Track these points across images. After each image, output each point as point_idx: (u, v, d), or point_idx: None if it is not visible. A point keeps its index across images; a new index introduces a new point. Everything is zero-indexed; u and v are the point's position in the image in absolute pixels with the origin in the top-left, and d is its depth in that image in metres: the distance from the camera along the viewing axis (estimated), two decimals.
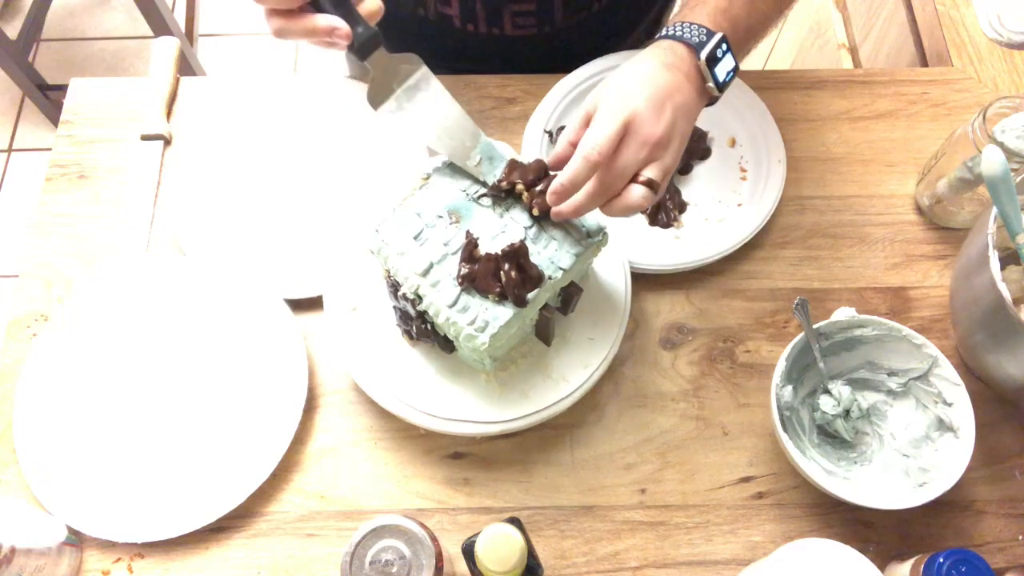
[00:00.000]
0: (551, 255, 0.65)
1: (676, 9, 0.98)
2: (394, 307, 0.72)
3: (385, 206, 0.67)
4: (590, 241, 0.66)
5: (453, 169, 0.68)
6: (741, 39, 0.69)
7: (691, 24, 0.65)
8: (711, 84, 0.65)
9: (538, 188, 0.64)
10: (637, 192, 0.60)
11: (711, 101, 0.67)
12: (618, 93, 0.61)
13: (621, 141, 0.59)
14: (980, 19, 0.94)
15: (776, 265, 0.82)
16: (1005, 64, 0.92)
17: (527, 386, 0.71)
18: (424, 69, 0.65)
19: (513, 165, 0.65)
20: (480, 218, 0.66)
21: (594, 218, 0.66)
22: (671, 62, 0.63)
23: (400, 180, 0.70)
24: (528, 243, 0.64)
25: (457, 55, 0.91)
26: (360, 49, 0.62)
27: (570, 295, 0.70)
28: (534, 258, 0.64)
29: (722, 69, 0.65)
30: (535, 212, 0.64)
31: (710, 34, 0.64)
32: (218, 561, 0.70)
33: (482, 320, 0.63)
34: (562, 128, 0.85)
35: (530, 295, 0.63)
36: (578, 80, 0.87)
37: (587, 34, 0.88)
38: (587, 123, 0.62)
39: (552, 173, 0.64)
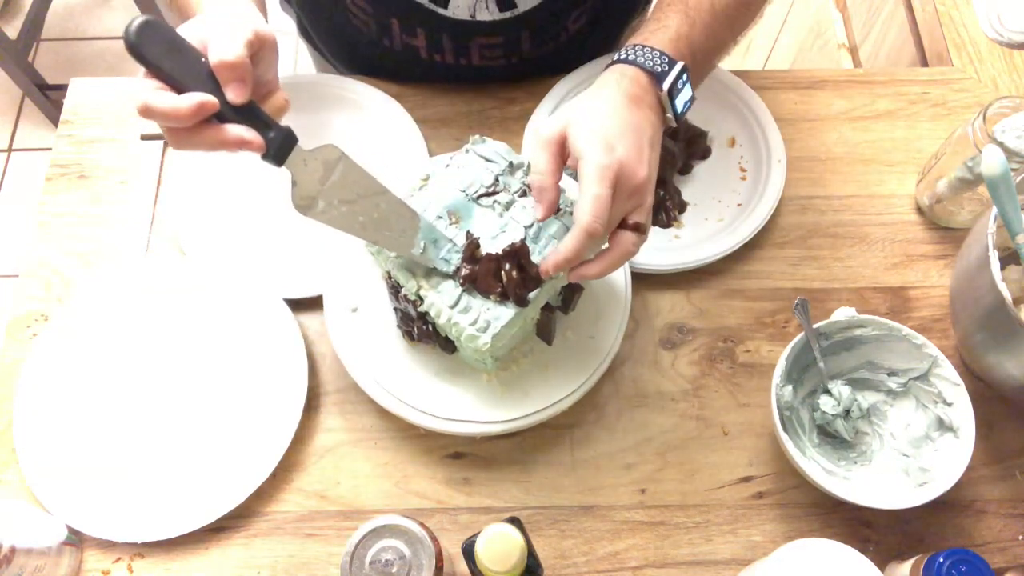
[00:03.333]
0: None
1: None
2: (395, 308, 0.72)
3: None
4: None
5: (452, 169, 0.68)
6: (699, 66, 0.68)
7: (651, 49, 0.63)
8: (670, 115, 0.64)
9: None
10: (629, 239, 0.59)
11: (666, 131, 0.66)
12: (597, 143, 0.57)
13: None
14: (980, 19, 0.94)
15: (776, 265, 0.82)
16: (1005, 64, 0.92)
17: (528, 385, 0.71)
18: (344, 156, 0.59)
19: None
20: (480, 218, 0.66)
21: None
22: (635, 94, 0.61)
23: (399, 180, 0.70)
24: (528, 243, 0.64)
25: (423, 82, 0.90)
26: (276, 155, 0.56)
27: (571, 294, 0.70)
28: (535, 258, 0.63)
29: (681, 99, 0.64)
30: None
31: (671, 63, 0.62)
32: (218, 561, 0.70)
33: (484, 320, 0.63)
34: None
35: (531, 295, 0.63)
36: (578, 80, 0.87)
37: (553, 64, 0.88)
38: (559, 151, 0.60)
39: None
